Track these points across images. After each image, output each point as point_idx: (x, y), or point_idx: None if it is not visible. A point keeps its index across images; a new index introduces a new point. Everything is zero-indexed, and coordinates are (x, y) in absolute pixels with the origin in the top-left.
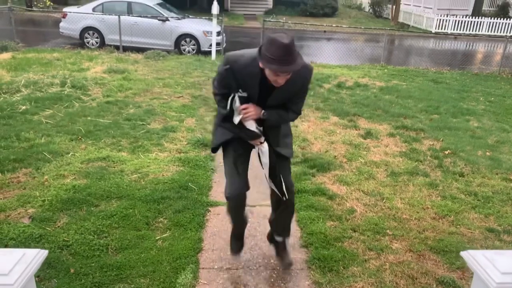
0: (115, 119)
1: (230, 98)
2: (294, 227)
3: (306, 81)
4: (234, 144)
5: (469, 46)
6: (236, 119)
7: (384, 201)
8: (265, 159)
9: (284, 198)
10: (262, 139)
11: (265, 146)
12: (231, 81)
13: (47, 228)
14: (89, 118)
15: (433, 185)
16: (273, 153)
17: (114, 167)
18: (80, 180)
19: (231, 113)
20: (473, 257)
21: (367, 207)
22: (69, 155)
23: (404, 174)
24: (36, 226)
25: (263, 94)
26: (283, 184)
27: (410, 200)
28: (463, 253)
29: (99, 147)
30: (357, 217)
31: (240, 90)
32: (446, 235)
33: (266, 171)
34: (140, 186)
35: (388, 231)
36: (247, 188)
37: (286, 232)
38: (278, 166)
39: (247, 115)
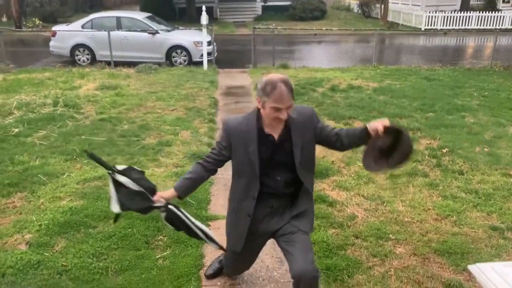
0: (110, 136)
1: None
2: None
3: (313, 113)
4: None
5: (460, 41)
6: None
7: (384, 204)
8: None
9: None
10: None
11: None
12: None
13: (45, 254)
14: (83, 136)
15: (433, 185)
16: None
17: None
18: (76, 202)
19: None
20: (483, 272)
21: (368, 212)
22: (65, 176)
23: (403, 176)
24: (34, 252)
25: (267, 153)
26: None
27: (411, 202)
28: (471, 267)
29: (95, 166)
30: (358, 223)
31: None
32: (450, 236)
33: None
34: None
35: (390, 235)
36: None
37: None
38: (293, 244)
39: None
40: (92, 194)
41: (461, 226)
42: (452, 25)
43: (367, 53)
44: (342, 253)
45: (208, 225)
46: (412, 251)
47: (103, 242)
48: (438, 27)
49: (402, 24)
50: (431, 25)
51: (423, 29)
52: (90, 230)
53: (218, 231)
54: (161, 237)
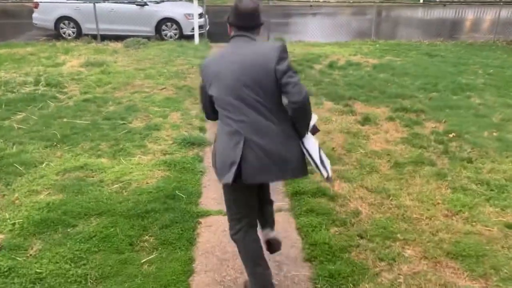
0: (94, 119)
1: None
2: (295, 236)
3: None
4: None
5: (459, 13)
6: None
7: (390, 198)
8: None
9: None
10: None
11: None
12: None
13: (18, 258)
14: (65, 119)
15: (441, 175)
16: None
17: (93, 177)
18: (55, 196)
19: None
20: None
21: (372, 207)
22: (43, 165)
23: (408, 165)
24: (5, 257)
25: None
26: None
27: (419, 196)
28: None
29: (76, 154)
30: (363, 220)
31: None
32: (462, 236)
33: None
34: (122, 198)
35: (398, 235)
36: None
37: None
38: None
39: None
40: (73, 187)
41: (473, 224)
42: None
43: (364, 26)
44: (346, 257)
45: (198, 223)
46: (423, 254)
47: (82, 244)
48: None
49: None
50: None
51: (421, 1)
52: (68, 230)
53: (210, 229)
54: (147, 237)
